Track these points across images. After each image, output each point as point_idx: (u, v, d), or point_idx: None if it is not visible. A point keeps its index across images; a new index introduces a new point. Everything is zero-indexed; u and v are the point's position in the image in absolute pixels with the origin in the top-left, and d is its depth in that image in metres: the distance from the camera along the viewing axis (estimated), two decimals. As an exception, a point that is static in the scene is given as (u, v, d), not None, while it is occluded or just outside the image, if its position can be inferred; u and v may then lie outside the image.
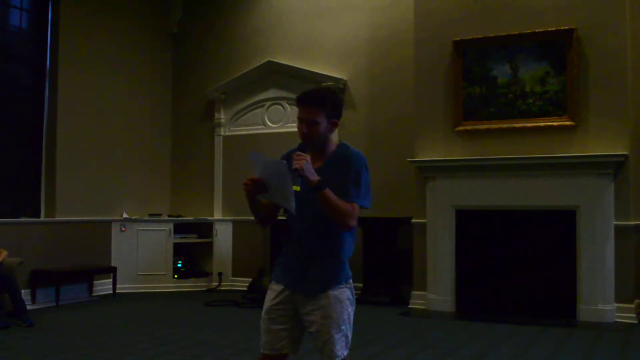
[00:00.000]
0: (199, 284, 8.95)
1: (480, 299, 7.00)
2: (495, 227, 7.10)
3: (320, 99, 2.62)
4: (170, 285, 8.76)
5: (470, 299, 7.03)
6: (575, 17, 6.67)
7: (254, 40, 9.19)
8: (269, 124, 9.02)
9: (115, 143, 8.77)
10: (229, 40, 9.41)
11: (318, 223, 2.60)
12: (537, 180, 6.77)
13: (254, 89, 9.15)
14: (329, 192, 2.49)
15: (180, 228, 8.99)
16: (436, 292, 7.14)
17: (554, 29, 6.72)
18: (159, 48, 9.59)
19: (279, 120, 8.90)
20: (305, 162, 2.46)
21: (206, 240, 9.10)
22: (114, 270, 8.19)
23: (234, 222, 9.07)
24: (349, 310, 2.65)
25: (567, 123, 6.67)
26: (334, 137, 2.78)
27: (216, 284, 8.96)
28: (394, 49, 8.18)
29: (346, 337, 2.63)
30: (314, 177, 2.48)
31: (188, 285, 8.87)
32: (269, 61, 8.93)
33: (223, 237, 9.11)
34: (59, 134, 8.00)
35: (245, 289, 8.43)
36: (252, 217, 2.76)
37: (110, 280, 8.15)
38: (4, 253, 6.39)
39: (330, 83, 8.32)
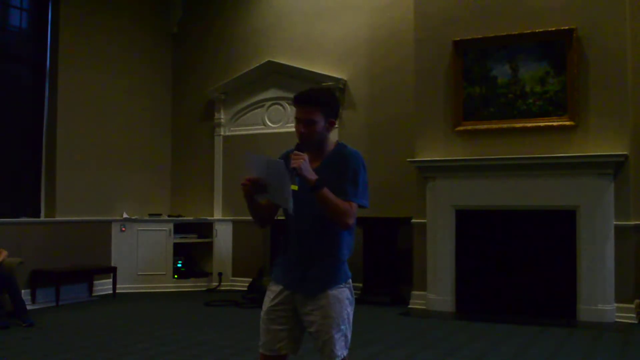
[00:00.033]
0: (199, 284, 8.95)
1: (480, 299, 7.00)
2: (495, 227, 7.10)
3: (316, 98, 2.62)
4: (170, 285, 8.76)
5: (470, 299, 7.03)
6: (575, 17, 6.67)
7: (254, 40, 9.19)
8: (269, 124, 9.02)
9: (115, 143, 8.77)
10: (229, 40, 9.41)
11: (317, 223, 2.60)
12: (537, 180, 6.77)
13: (254, 89, 9.15)
14: (327, 192, 2.49)
15: (180, 228, 8.99)
16: (436, 292, 7.14)
17: (554, 29, 6.72)
18: (159, 48, 9.59)
19: (279, 120, 8.90)
20: (303, 162, 2.46)
21: (206, 240, 9.10)
22: (114, 270, 8.19)
23: (234, 222, 9.07)
24: (349, 309, 2.65)
25: (567, 123, 6.67)
26: (333, 138, 2.78)
27: (216, 284, 8.96)
28: (394, 49, 8.18)
29: (345, 336, 2.63)
30: (312, 176, 2.48)
31: (188, 285, 8.87)
32: (269, 61, 8.93)
33: (223, 237, 9.11)
34: (59, 134, 8.00)
35: (245, 289, 8.43)
36: (251, 217, 2.76)
37: (110, 280, 8.15)
38: (4, 253, 6.39)
39: (330, 83, 8.33)
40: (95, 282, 8.22)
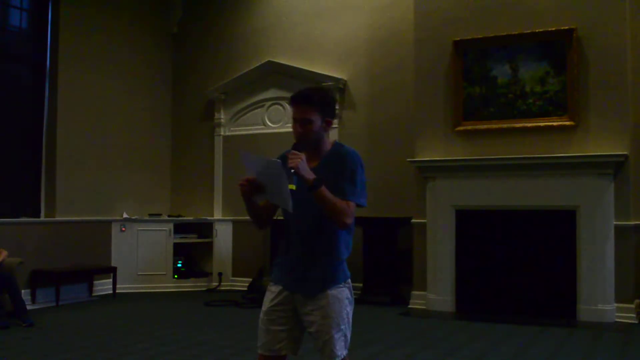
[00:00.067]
0: (199, 284, 8.95)
1: (480, 299, 7.00)
2: (495, 227, 7.10)
3: (312, 98, 2.63)
4: (170, 285, 8.76)
5: (470, 299, 7.03)
6: (575, 17, 6.67)
7: (254, 40, 9.19)
8: (269, 124, 9.02)
9: (115, 143, 8.77)
10: (229, 40, 9.41)
11: (315, 222, 2.60)
12: (537, 180, 6.77)
13: (254, 89, 9.15)
14: (325, 191, 2.49)
15: (180, 228, 8.99)
16: (436, 292, 7.14)
17: (554, 29, 6.72)
18: (159, 48, 9.59)
19: (279, 120, 8.90)
20: (300, 161, 2.46)
21: (206, 240, 9.10)
22: (114, 270, 8.19)
23: (234, 222, 9.07)
24: (348, 309, 2.65)
25: (567, 123, 6.67)
26: (333, 138, 2.78)
27: (216, 284, 8.96)
28: (394, 49, 8.17)
29: (345, 336, 2.64)
30: (310, 175, 2.49)
31: (188, 285, 8.87)
32: (269, 61, 8.93)
33: (223, 237, 9.11)
34: (59, 134, 8.00)
35: (245, 289, 8.43)
36: (250, 219, 2.75)
37: (110, 280, 8.14)
38: (4, 253, 6.39)
39: (330, 83, 8.33)
40: (95, 282, 8.22)
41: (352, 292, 2.71)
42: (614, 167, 6.49)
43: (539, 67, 6.81)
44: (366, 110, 8.39)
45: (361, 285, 7.60)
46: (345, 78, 8.46)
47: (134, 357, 4.95)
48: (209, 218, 9.20)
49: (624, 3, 6.60)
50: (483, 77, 7.06)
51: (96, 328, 6.18)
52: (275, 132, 8.84)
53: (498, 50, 7.00)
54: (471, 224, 7.12)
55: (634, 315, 6.44)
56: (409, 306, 7.32)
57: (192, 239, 9.09)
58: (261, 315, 2.72)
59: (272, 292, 2.71)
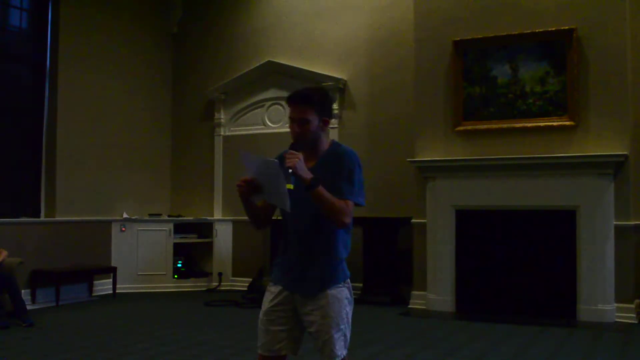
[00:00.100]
0: (199, 284, 8.95)
1: (480, 299, 7.00)
2: (495, 227, 7.10)
3: (309, 97, 2.63)
4: (170, 285, 8.76)
5: (470, 299, 7.03)
6: (575, 17, 6.67)
7: (254, 40, 9.19)
8: (269, 124, 9.02)
9: (115, 143, 8.77)
10: (229, 40, 9.41)
11: (313, 222, 2.60)
12: (537, 180, 6.77)
13: (254, 89, 9.15)
14: (322, 190, 2.49)
15: (180, 228, 8.99)
16: (436, 292, 7.14)
17: (554, 29, 6.72)
18: (159, 48, 9.59)
19: (279, 120, 8.89)
20: (297, 161, 2.46)
21: (206, 240, 9.10)
22: (114, 270, 8.19)
23: (234, 222, 9.07)
24: (347, 309, 2.65)
25: (567, 123, 6.67)
26: (331, 137, 2.78)
27: (216, 284, 8.96)
28: (394, 49, 8.17)
29: (345, 336, 2.64)
30: (307, 175, 2.49)
31: (188, 285, 8.87)
32: (269, 61, 8.93)
33: (223, 237, 9.11)
34: (59, 134, 8.00)
35: (245, 289, 8.43)
36: (248, 219, 2.75)
37: (110, 280, 8.14)
38: (4, 253, 6.39)
39: (330, 83, 8.32)
40: (95, 282, 8.22)
41: (352, 292, 2.71)
42: (614, 167, 6.49)
43: (539, 67, 6.81)
44: (366, 110, 8.39)
45: (361, 285, 7.61)
46: (345, 78, 8.46)
47: (134, 357, 4.96)
48: (209, 218, 9.20)
49: (624, 3, 6.60)
50: (483, 77, 7.06)
51: (96, 328, 6.18)
52: (275, 132, 8.84)
53: (498, 50, 7.00)
54: (471, 224, 7.12)
55: (634, 315, 6.44)
56: (409, 306, 7.32)
57: (192, 239, 9.09)
58: (261, 315, 2.71)
59: (271, 292, 2.71)
